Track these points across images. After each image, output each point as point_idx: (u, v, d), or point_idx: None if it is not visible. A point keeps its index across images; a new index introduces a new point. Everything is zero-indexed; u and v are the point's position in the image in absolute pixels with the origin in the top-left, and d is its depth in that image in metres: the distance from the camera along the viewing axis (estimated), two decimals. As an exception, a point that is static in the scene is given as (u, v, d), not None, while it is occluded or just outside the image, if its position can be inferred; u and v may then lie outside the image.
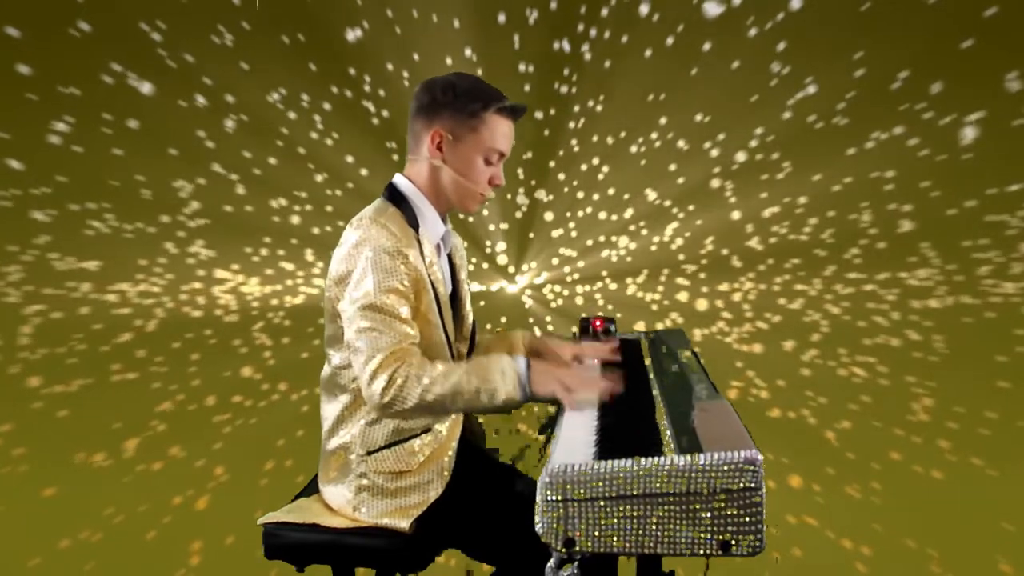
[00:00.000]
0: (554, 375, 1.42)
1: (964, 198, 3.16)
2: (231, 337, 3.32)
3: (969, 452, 2.94)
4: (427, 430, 1.55)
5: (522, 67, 3.33)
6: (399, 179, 1.58)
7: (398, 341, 1.39)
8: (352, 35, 3.24)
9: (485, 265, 3.55)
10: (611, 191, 3.49)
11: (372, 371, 1.36)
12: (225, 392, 3.25)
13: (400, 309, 1.42)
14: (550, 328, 3.55)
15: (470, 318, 1.72)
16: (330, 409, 1.58)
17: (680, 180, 3.42)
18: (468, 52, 3.28)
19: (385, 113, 3.30)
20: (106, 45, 3.10)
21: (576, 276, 3.57)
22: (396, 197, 1.56)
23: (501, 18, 3.30)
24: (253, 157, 3.31)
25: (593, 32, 3.31)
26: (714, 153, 3.38)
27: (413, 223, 1.53)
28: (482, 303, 3.54)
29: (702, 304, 3.47)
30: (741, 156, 3.36)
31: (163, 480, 2.96)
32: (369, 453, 1.52)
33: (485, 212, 3.50)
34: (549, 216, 3.53)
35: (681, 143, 3.40)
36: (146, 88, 3.17)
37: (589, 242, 3.54)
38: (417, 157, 1.57)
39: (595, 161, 3.48)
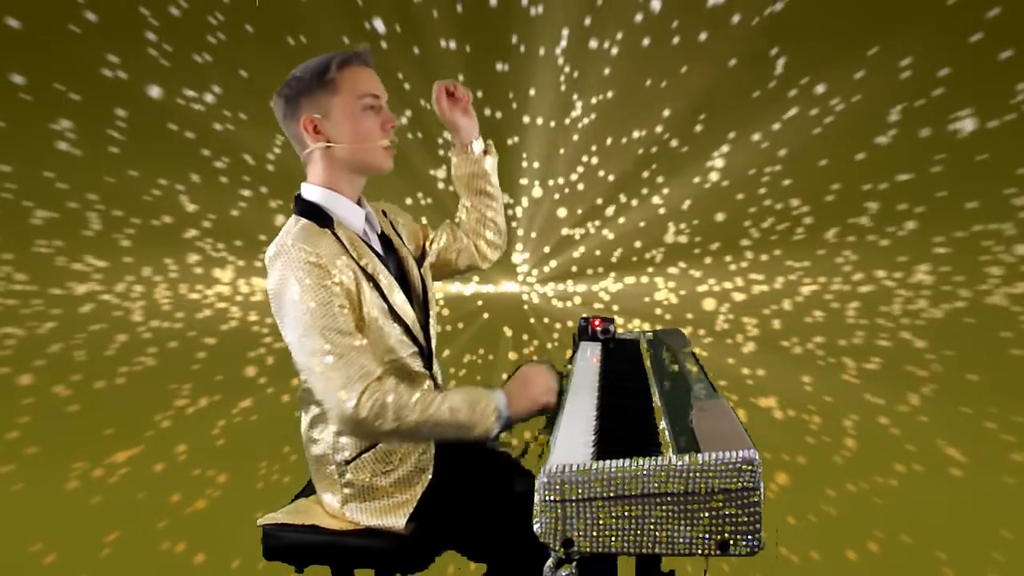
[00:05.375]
0: (528, 396, 1.47)
1: (969, 198, 3.16)
2: (231, 337, 3.32)
3: (970, 453, 2.94)
4: None
5: (522, 66, 3.34)
6: (303, 187, 1.55)
7: (359, 359, 1.38)
8: (354, 34, 3.25)
9: (485, 265, 3.55)
10: (611, 191, 3.49)
11: (340, 392, 1.35)
12: (225, 392, 3.25)
13: (346, 325, 1.40)
14: (548, 324, 3.55)
15: (420, 289, 1.66)
16: (304, 421, 1.58)
17: (681, 179, 3.43)
18: (463, 46, 3.28)
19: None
20: (105, 43, 3.11)
21: (575, 276, 3.57)
22: (303, 207, 1.52)
23: (499, 14, 3.30)
24: (254, 157, 3.31)
25: (595, 29, 3.32)
26: (715, 152, 3.38)
27: (326, 226, 1.49)
28: (479, 303, 3.54)
29: (701, 303, 3.47)
30: (743, 155, 3.35)
31: (163, 480, 2.96)
32: (347, 462, 1.52)
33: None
34: (549, 216, 3.53)
35: (682, 142, 3.40)
36: (147, 87, 3.17)
37: (589, 242, 3.54)
38: (308, 155, 1.54)
39: (594, 163, 3.48)
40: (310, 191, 1.55)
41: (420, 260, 1.71)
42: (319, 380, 1.38)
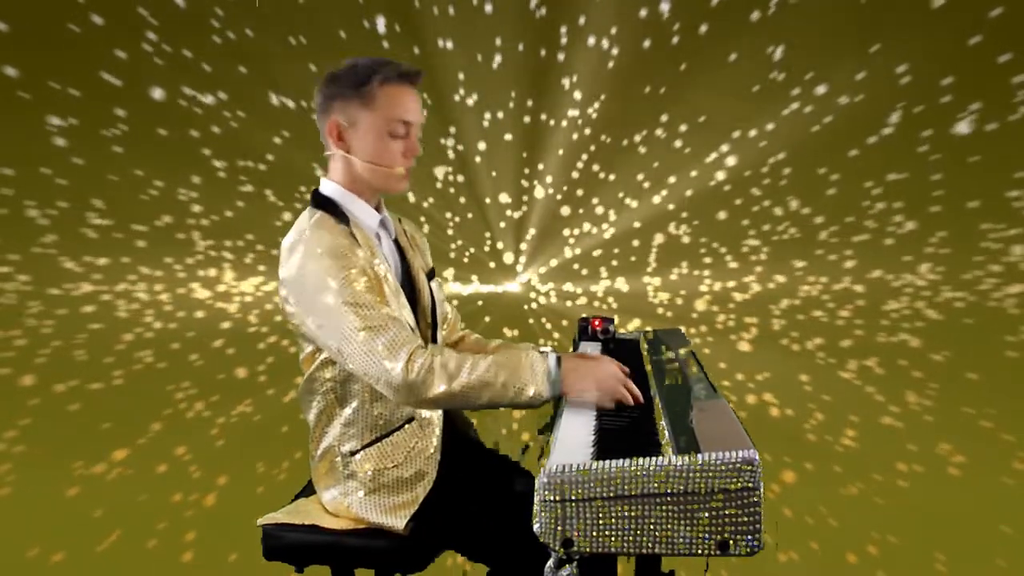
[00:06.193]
0: (590, 375, 1.40)
1: (969, 198, 3.16)
2: (231, 337, 3.32)
3: (971, 453, 2.94)
4: (409, 420, 1.53)
5: (522, 65, 3.33)
6: (322, 183, 1.56)
7: (396, 328, 1.37)
8: (354, 33, 3.25)
9: (492, 264, 3.55)
10: (611, 191, 3.49)
11: (386, 361, 1.32)
12: (225, 392, 3.25)
13: (375, 300, 1.38)
14: (547, 326, 3.55)
15: (429, 300, 1.65)
16: (310, 417, 1.58)
17: (681, 179, 3.43)
18: (463, 45, 3.27)
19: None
20: (105, 43, 3.11)
21: (576, 275, 3.57)
22: (320, 201, 1.53)
23: (499, 13, 3.29)
24: (252, 157, 3.31)
25: (594, 30, 3.32)
26: (715, 152, 3.38)
27: (343, 221, 1.49)
28: (479, 303, 3.54)
29: (701, 303, 3.47)
30: (743, 154, 3.35)
31: (163, 481, 2.97)
32: (352, 454, 1.52)
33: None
34: (550, 216, 3.53)
35: (682, 142, 3.40)
36: (148, 87, 3.17)
37: (589, 242, 3.54)
38: (330, 155, 1.54)
39: (594, 163, 3.47)
40: (328, 187, 1.55)
41: (430, 275, 1.72)
42: (361, 356, 1.35)
